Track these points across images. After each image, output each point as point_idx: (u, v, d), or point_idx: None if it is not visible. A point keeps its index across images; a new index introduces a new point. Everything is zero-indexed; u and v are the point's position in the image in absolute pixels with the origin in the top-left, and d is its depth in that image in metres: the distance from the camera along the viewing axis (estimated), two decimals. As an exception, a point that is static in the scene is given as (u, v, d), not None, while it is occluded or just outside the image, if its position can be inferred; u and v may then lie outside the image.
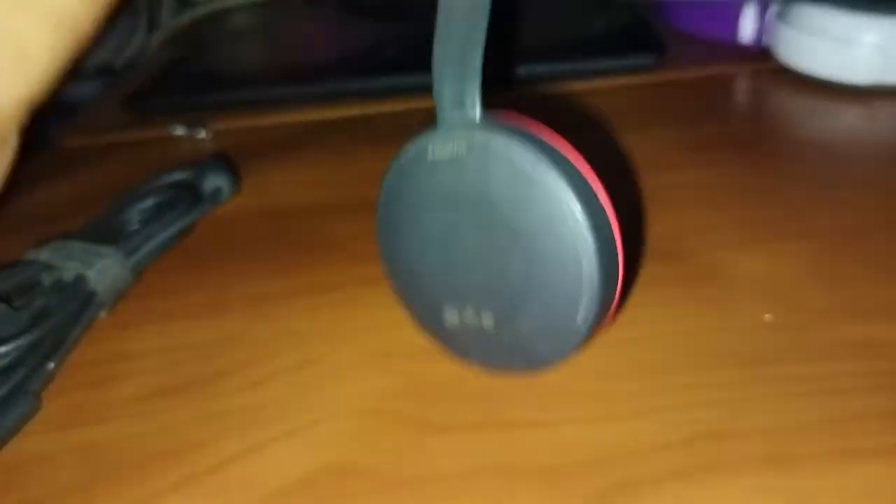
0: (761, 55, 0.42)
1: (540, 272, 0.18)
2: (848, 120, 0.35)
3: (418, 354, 0.23)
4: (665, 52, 0.43)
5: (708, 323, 0.23)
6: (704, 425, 0.19)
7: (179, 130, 0.39)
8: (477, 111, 0.18)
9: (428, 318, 0.21)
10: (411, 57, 0.42)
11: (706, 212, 0.28)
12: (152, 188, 0.29)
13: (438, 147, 0.19)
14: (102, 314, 0.26)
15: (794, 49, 0.39)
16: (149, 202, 0.29)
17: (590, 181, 0.18)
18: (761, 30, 0.43)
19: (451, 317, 0.20)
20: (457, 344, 0.21)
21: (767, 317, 0.23)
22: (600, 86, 0.41)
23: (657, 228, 0.28)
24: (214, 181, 0.30)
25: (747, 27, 0.43)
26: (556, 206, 0.17)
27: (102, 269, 0.25)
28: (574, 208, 0.17)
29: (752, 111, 0.38)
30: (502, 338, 0.20)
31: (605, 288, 0.18)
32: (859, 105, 0.36)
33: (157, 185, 0.29)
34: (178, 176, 0.30)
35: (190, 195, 0.29)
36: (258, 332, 0.25)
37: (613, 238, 0.18)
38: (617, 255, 0.18)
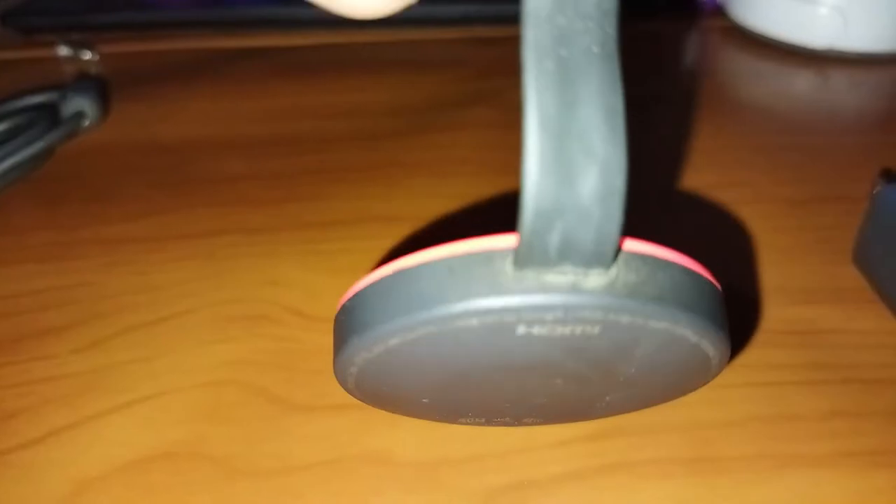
0: (715, 12, 0.39)
1: (639, 398, 0.14)
2: (798, 85, 0.33)
3: (291, 319, 0.19)
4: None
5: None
6: (614, 419, 0.16)
7: (64, 51, 0.35)
8: (611, 258, 0.11)
9: (426, 416, 0.16)
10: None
11: (641, 173, 0.25)
12: (8, 110, 0.25)
13: (547, 324, 0.11)
14: (-71, 252, 0.22)
15: (749, 6, 0.37)
16: (2, 125, 0.25)
17: (723, 306, 0.13)
18: (716, -15, 0.40)
19: (469, 421, 0.15)
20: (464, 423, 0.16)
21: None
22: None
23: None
24: (77, 104, 0.26)
25: (702, -19, 0.41)
26: (705, 361, 0.13)
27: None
28: (722, 360, 0.13)
29: (701, 69, 0.35)
30: (539, 424, 0.16)
31: None
32: (811, 70, 0.34)
33: (13, 107, 0.25)
34: (39, 98, 0.26)
35: (48, 118, 0.25)
36: (108, 283, 0.21)
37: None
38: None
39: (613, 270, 0.11)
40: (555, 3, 0.10)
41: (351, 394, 0.14)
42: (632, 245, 0.11)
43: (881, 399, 0.17)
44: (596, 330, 0.11)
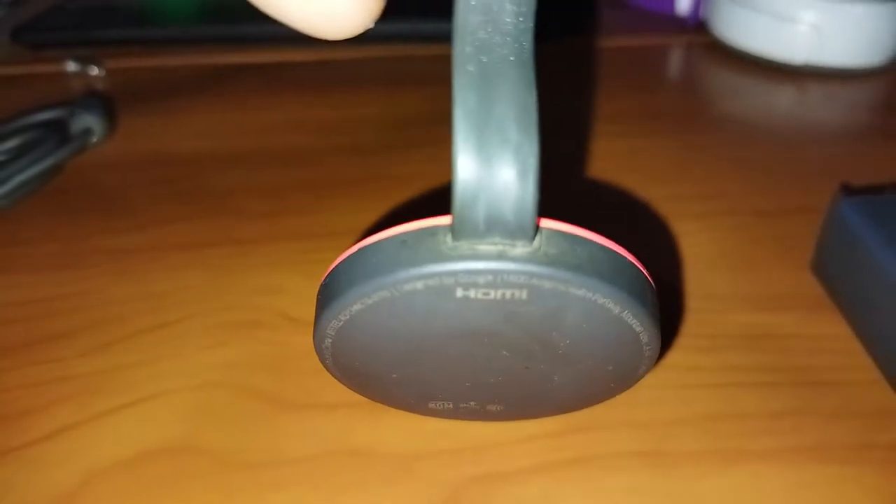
0: (697, 28, 0.41)
1: (585, 379, 0.15)
2: (777, 99, 0.34)
3: (283, 324, 0.21)
4: (596, 17, 0.41)
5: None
6: (576, 416, 0.18)
7: (71, 66, 0.36)
8: (531, 229, 0.12)
9: (397, 403, 0.17)
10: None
11: (613, 185, 0.27)
12: (18, 127, 0.26)
13: (477, 287, 0.12)
14: (-56, 261, 0.23)
15: (729, 23, 0.38)
16: (13, 142, 0.26)
17: (653, 290, 0.14)
18: (698, 2, 0.41)
19: (439, 405, 0.17)
20: (434, 415, 0.17)
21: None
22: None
23: (555, 216, 0.26)
24: (84, 121, 0.27)
25: (685, -1, 0.42)
26: (633, 337, 0.14)
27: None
28: (652, 336, 0.14)
29: (680, 85, 0.36)
30: (505, 415, 0.17)
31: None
32: (790, 85, 0.35)
33: (22, 123, 0.27)
34: (48, 115, 0.27)
35: (56, 135, 0.26)
36: (113, 290, 0.22)
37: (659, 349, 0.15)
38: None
39: (536, 243, 0.12)
40: (478, 21, 0.12)
41: (331, 372, 0.16)
42: (553, 224, 0.13)
43: (825, 400, 0.18)
44: (524, 294, 0.13)
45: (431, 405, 0.17)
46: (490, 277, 0.12)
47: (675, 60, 0.39)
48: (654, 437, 0.17)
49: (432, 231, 0.13)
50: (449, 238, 0.12)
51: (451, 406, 0.17)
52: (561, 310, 0.13)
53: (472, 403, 0.16)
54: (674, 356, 0.19)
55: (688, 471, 0.16)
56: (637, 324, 0.13)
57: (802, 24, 0.35)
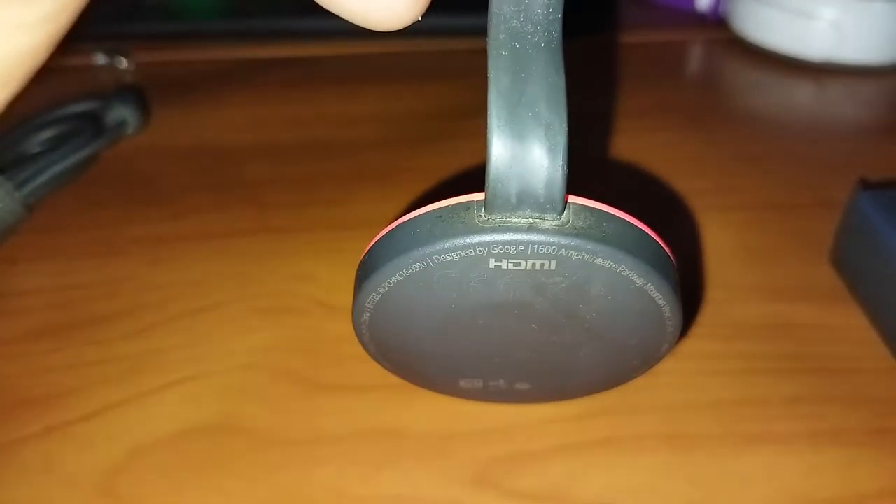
0: (717, 24, 0.41)
1: (610, 354, 0.16)
2: (796, 95, 0.35)
3: (317, 310, 0.22)
4: (617, 14, 0.41)
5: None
6: (599, 400, 0.18)
7: (100, 59, 0.37)
8: (560, 203, 0.13)
9: (429, 383, 0.18)
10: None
11: (637, 179, 0.27)
12: (53, 118, 0.27)
13: (508, 257, 0.13)
14: (-11, 247, 0.24)
15: (749, 20, 0.38)
16: (48, 133, 0.27)
17: (674, 266, 0.15)
18: (719, -2, 0.41)
19: (469, 384, 0.17)
20: (465, 396, 0.18)
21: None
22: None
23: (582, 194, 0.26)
24: (119, 113, 0.28)
25: (705, -6, 0.42)
26: (655, 310, 0.14)
27: (-12, 199, 0.23)
28: (674, 311, 0.15)
29: (701, 80, 0.37)
30: (533, 395, 0.18)
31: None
32: (809, 81, 0.35)
33: (58, 115, 0.27)
34: (82, 106, 0.28)
35: (92, 126, 0.27)
36: (152, 276, 0.23)
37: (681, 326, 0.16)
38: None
39: (565, 216, 0.13)
40: (512, 11, 0.13)
41: (367, 349, 0.16)
42: (581, 200, 0.14)
43: (842, 386, 0.19)
44: (552, 265, 0.13)
45: (462, 383, 0.17)
46: (521, 248, 0.13)
47: (696, 56, 0.39)
48: (676, 421, 0.18)
49: (466, 206, 0.13)
50: (483, 212, 0.13)
51: (480, 385, 0.17)
52: (587, 281, 0.14)
53: (501, 382, 0.17)
54: (695, 344, 0.20)
55: (708, 453, 0.17)
56: (660, 297, 0.14)
57: (822, 21, 0.36)
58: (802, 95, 0.35)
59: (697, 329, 0.21)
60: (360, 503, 0.16)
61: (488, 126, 0.13)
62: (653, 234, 0.14)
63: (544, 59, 0.13)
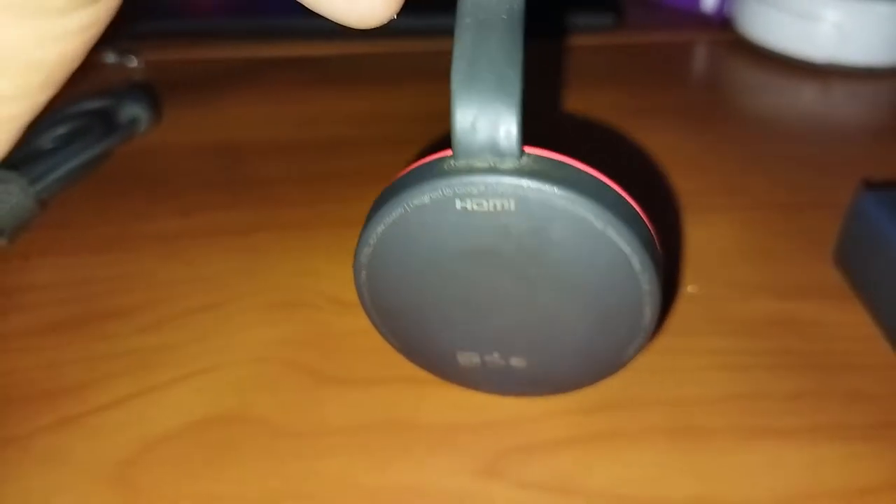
0: (723, 25, 0.41)
1: (593, 319, 0.16)
2: (800, 96, 0.35)
3: (327, 306, 0.22)
4: (624, 12, 0.42)
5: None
6: (607, 393, 0.19)
7: (110, 58, 0.37)
8: (517, 149, 0.14)
9: (432, 356, 0.18)
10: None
11: (642, 178, 0.28)
12: (66, 115, 0.28)
13: (472, 197, 0.14)
14: (2, 242, 0.24)
15: (754, 21, 0.39)
16: (61, 129, 0.27)
17: (645, 222, 0.15)
18: (724, 0, 0.42)
19: (467, 359, 0.18)
20: (467, 377, 0.18)
21: (690, 288, 0.22)
22: (558, 45, 0.39)
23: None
24: (132, 110, 0.29)
25: (710, -4, 0.43)
26: (624, 261, 0.15)
27: (2, 195, 0.24)
28: (644, 263, 0.15)
29: (705, 81, 0.37)
30: (532, 373, 0.18)
31: (657, 325, 0.16)
32: (813, 82, 0.36)
33: (71, 112, 0.28)
34: (95, 104, 0.28)
35: (104, 124, 0.27)
36: (164, 272, 0.23)
37: (663, 278, 0.16)
38: (661, 302, 0.16)
39: (524, 161, 0.14)
40: None
41: (369, 315, 0.17)
42: (540, 150, 0.15)
43: (844, 382, 0.19)
44: (512, 205, 0.14)
45: (460, 358, 0.18)
46: (482, 188, 0.14)
47: (701, 57, 0.39)
48: (681, 415, 0.18)
49: (439, 160, 0.15)
50: (451, 162, 0.15)
51: (478, 361, 0.18)
52: (548, 223, 0.14)
53: (497, 355, 0.17)
54: (699, 340, 0.20)
55: (713, 446, 0.17)
56: (624, 244, 0.15)
57: (826, 23, 0.36)
58: (806, 96, 0.35)
59: (702, 325, 0.21)
60: (369, 493, 0.17)
61: (451, 81, 0.14)
62: (613, 185, 0.15)
63: (503, 26, 0.14)
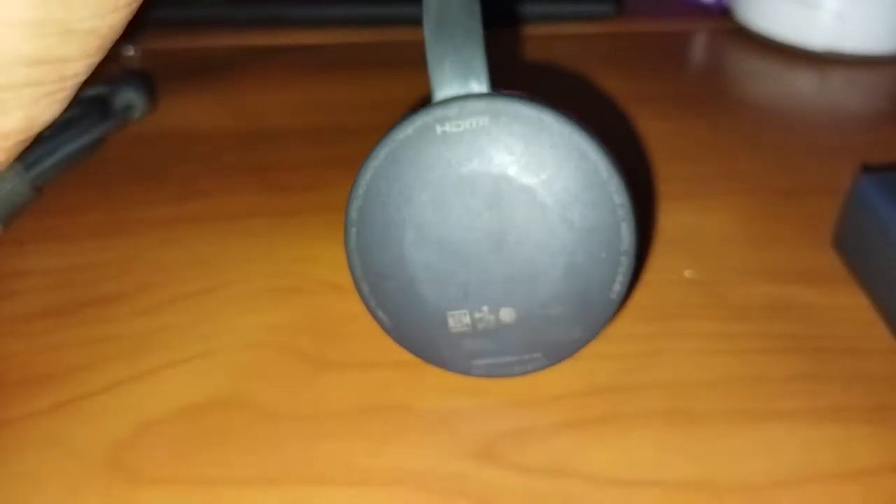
0: (722, 14, 0.41)
1: (573, 245, 0.17)
2: (799, 84, 0.35)
3: (323, 290, 0.22)
4: (623, 3, 0.42)
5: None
6: (605, 377, 0.19)
7: (108, 46, 0.37)
8: (486, 82, 0.16)
9: (423, 329, 0.18)
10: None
11: (642, 164, 0.28)
12: (63, 100, 0.27)
13: (452, 120, 0.16)
14: (-2, 228, 0.24)
15: (753, 9, 0.38)
16: (58, 115, 0.27)
17: (604, 145, 0.17)
18: (723, -13, 0.42)
19: (458, 321, 0.18)
20: (459, 351, 0.18)
21: (688, 272, 0.22)
22: (559, 32, 0.39)
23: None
24: (127, 97, 0.28)
25: (710, -16, 0.43)
26: (595, 171, 0.16)
27: (-4, 181, 0.23)
28: (612, 172, 0.16)
29: (705, 69, 0.37)
30: (523, 330, 0.18)
31: (637, 255, 0.17)
32: (812, 70, 0.36)
33: (68, 97, 0.28)
34: (91, 90, 0.28)
35: (100, 110, 0.27)
36: (159, 257, 0.23)
37: (633, 203, 0.17)
38: (637, 220, 0.17)
39: (493, 92, 0.16)
40: None
41: (359, 286, 0.18)
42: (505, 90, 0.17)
43: (842, 365, 0.19)
44: (486, 120, 0.16)
45: (451, 322, 0.18)
46: (457, 109, 0.16)
47: (700, 45, 0.39)
48: (679, 398, 0.18)
49: (419, 106, 0.16)
50: (430, 103, 0.16)
51: (468, 321, 0.18)
52: (520, 133, 0.16)
53: (486, 309, 0.17)
54: (698, 324, 0.20)
55: (711, 429, 0.17)
56: (590, 151, 0.16)
57: (825, 10, 0.36)
58: (805, 84, 0.35)
59: (701, 310, 0.21)
60: (365, 476, 0.17)
61: (424, 36, 0.16)
62: (572, 114, 0.16)
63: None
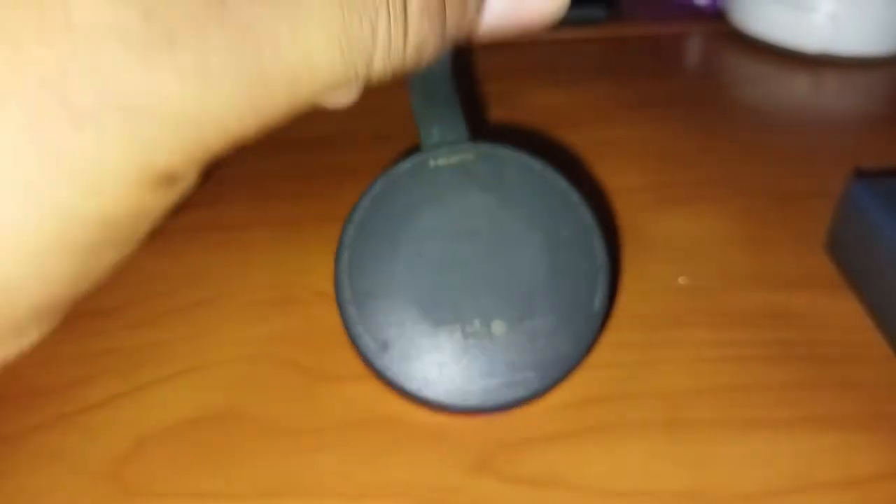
0: (716, 17, 0.41)
1: (555, 263, 0.18)
2: (793, 87, 0.35)
3: (320, 302, 0.22)
4: (617, 5, 0.42)
5: (620, 283, 0.22)
6: (599, 386, 0.19)
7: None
8: (467, 133, 0.20)
9: (412, 348, 0.18)
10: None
11: (636, 169, 0.28)
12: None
13: (442, 156, 0.19)
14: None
15: (748, 12, 0.39)
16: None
17: (572, 180, 0.19)
18: (717, -10, 0.42)
19: (449, 337, 0.18)
20: (449, 371, 0.18)
21: (682, 279, 0.22)
22: (551, 37, 0.39)
23: (584, 186, 0.27)
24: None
25: (703, -13, 0.43)
26: (566, 197, 0.19)
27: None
28: (580, 198, 0.19)
29: (699, 72, 0.37)
30: (513, 346, 0.18)
31: (611, 271, 0.19)
32: (806, 73, 0.36)
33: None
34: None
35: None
36: (153, 268, 0.23)
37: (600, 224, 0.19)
38: (606, 240, 0.19)
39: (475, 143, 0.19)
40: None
41: (345, 310, 0.18)
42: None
43: (837, 372, 0.19)
44: (471, 155, 0.19)
45: (441, 329, 0.18)
46: (448, 150, 0.19)
47: (694, 48, 0.39)
48: (673, 407, 0.18)
49: (412, 151, 0.19)
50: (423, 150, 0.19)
51: (459, 334, 0.18)
52: (500, 166, 0.19)
53: (477, 323, 0.18)
54: (692, 331, 0.20)
55: (705, 438, 0.17)
56: (562, 182, 0.19)
57: (819, 13, 0.36)
58: (799, 87, 0.35)
59: (694, 317, 0.21)
60: (362, 489, 0.17)
61: (413, 107, 0.20)
62: (538, 153, 0.19)
63: (442, 76, 0.21)
